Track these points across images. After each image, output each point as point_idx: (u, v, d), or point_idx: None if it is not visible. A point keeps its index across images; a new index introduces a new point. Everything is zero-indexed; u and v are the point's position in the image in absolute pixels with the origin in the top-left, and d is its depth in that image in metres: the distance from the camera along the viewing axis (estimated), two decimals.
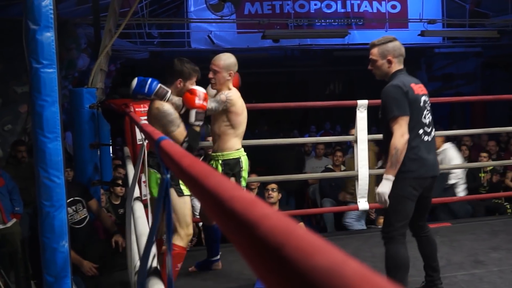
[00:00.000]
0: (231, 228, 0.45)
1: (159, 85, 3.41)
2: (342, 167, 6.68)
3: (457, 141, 9.52)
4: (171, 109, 3.37)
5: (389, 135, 3.09)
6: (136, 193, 2.24)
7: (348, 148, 8.38)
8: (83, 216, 4.76)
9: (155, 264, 1.41)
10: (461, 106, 14.30)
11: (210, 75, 3.65)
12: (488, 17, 11.78)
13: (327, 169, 6.80)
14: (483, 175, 6.75)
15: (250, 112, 3.79)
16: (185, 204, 3.42)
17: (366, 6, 11.86)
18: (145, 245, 1.48)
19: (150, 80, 3.42)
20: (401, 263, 3.14)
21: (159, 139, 1.34)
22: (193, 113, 3.35)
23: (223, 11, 10.87)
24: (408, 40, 11.71)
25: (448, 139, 10.46)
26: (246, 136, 3.94)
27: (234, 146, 3.66)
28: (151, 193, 3.32)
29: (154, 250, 1.49)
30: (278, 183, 5.15)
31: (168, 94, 3.41)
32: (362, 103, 4.91)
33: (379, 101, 5.49)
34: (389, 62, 3.15)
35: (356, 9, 11.81)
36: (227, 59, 3.67)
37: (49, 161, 3.16)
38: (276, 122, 14.06)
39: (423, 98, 3.14)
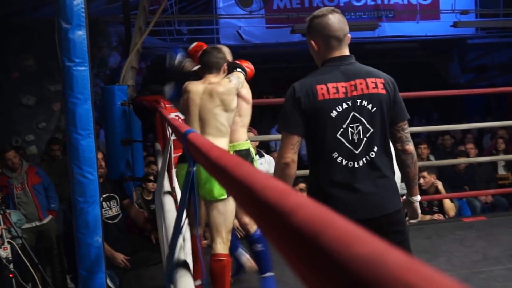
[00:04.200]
0: (264, 219, 0.44)
1: None
2: None
3: (492, 133, 9.34)
4: None
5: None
6: (166, 187, 2.26)
7: None
8: (116, 213, 4.83)
9: (182, 256, 1.42)
10: (495, 98, 13.99)
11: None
12: None
13: None
14: None
15: (280, 107, 3.60)
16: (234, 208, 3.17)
17: None
18: (171, 238, 1.48)
19: None
20: None
21: (186, 132, 1.34)
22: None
23: (252, 6, 10.88)
24: (440, 31, 11.53)
25: (483, 131, 10.25)
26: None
27: (243, 137, 3.41)
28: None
29: (180, 242, 1.50)
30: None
31: None
32: None
33: (411, 94, 5.44)
34: (312, 47, 2.24)
35: (386, 1, 11.64)
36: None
37: (82, 158, 3.20)
38: None
39: (345, 104, 2.13)
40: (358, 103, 2.12)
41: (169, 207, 1.89)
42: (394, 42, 11.57)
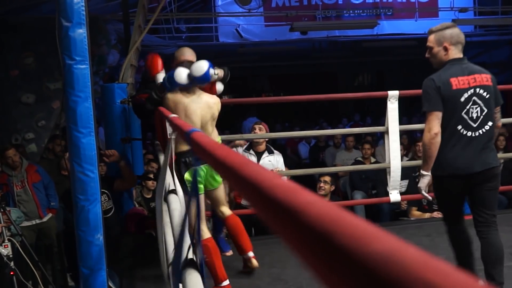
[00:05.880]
0: (274, 217, 0.44)
1: None
2: (372, 159, 6.63)
3: None
4: None
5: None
6: (171, 186, 2.26)
7: (378, 139, 8.31)
8: (108, 207, 4.83)
9: (190, 255, 1.42)
10: None
11: None
12: None
13: (357, 162, 6.75)
14: None
15: (279, 105, 3.70)
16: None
17: None
18: (178, 236, 1.48)
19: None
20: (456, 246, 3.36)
21: (190, 131, 1.33)
22: None
23: (251, 4, 10.87)
24: None
25: None
26: (275, 129, 3.88)
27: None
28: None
29: (188, 240, 1.50)
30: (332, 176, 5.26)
31: None
32: (393, 94, 4.86)
33: (410, 91, 5.45)
34: (445, 49, 3.07)
35: None
36: None
37: (83, 156, 3.21)
38: (305, 115, 13.99)
39: (469, 91, 3.00)
40: (477, 91, 3.02)
41: (175, 205, 1.88)
42: (392, 40, 11.57)
